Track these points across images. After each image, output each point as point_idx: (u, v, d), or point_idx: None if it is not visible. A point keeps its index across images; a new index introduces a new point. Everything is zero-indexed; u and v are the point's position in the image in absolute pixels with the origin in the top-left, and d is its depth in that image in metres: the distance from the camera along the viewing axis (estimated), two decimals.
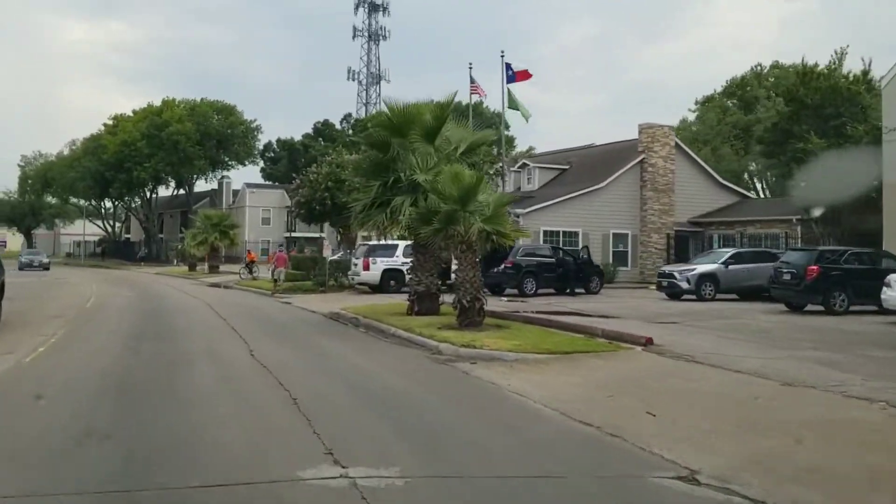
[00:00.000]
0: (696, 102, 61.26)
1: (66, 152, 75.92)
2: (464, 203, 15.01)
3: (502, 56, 31.89)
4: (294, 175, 41.57)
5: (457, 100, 19.30)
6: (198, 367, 10.43)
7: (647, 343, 12.27)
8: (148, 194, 73.37)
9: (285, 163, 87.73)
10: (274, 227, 69.88)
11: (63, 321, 16.20)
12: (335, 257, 31.08)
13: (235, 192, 73.22)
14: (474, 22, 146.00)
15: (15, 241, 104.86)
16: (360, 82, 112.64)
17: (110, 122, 70.80)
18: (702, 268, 23.77)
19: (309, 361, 11.34)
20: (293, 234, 69.18)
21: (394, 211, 17.19)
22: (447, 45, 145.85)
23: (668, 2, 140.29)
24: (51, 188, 76.29)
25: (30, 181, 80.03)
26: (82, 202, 77.86)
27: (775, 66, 61.97)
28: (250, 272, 37.55)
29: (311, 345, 13.68)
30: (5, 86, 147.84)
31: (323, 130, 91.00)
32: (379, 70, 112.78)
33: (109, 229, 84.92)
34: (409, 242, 27.93)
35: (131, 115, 69.48)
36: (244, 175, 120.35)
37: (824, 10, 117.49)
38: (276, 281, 29.70)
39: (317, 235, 70.53)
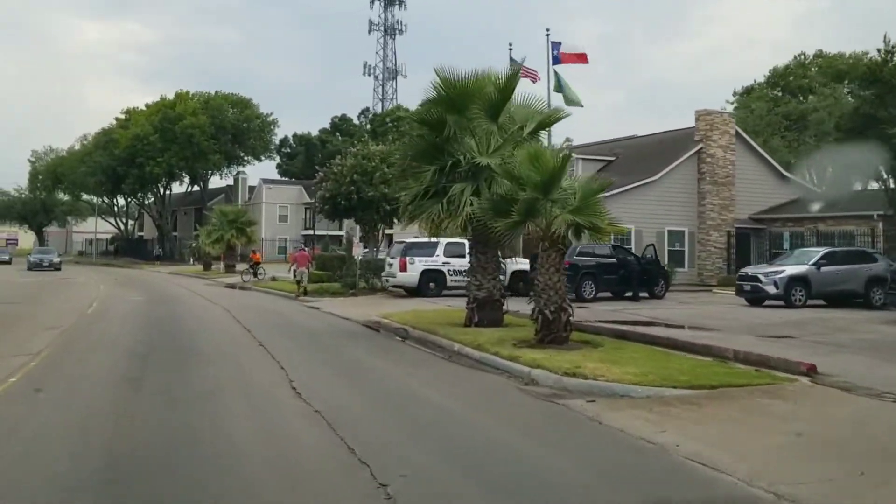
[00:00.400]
0: (735, 94, 58.10)
1: (77, 147, 73.56)
2: (546, 190, 12.10)
3: (547, 35, 28.95)
4: (317, 168, 38.73)
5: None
6: (223, 412, 7.56)
7: (810, 371, 9.30)
8: (161, 190, 70.87)
9: (302, 158, 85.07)
10: (291, 225, 67.21)
11: (55, 334, 13.42)
12: (361, 255, 28.19)
13: (251, 189, 70.60)
14: (494, 14, 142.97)
15: (27, 238, 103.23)
16: (376, 77, 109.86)
17: (122, 117, 68.45)
18: (791, 269, 20.67)
19: (371, 399, 8.46)
20: (313, 232, 66.41)
21: (451, 201, 14.28)
22: (464, 40, 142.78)
23: (678, 1, 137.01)
24: (62, 184, 73.86)
25: (40, 177, 77.66)
26: (94, 199, 75.44)
27: (819, 54, 58.86)
28: (255, 275, 34.37)
29: (364, 369, 10.80)
30: (21, 86, 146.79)
31: (340, 125, 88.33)
32: (395, 65, 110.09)
33: (122, 227, 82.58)
34: (450, 240, 25.04)
35: (144, 108, 67.03)
36: (260, 171, 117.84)
37: (833, 9, 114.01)
38: (298, 282, 26.92)
39: (336, 233, 67.78)
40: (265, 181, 68.18)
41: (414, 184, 14.93)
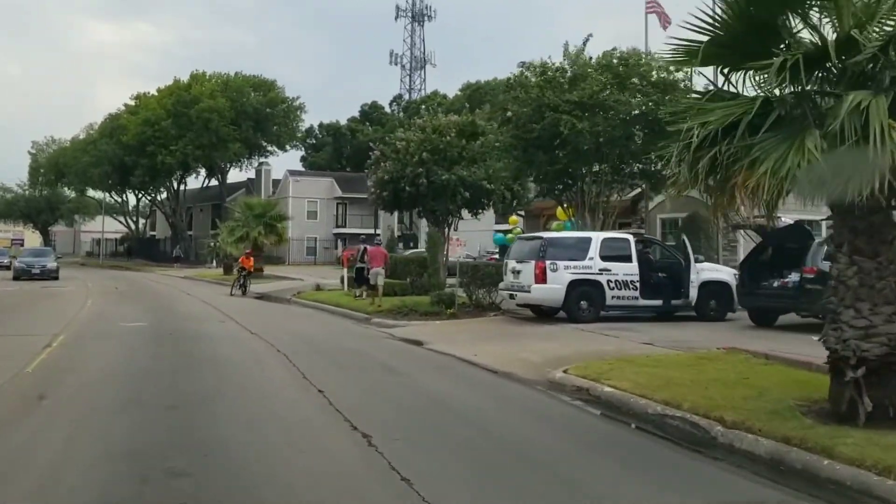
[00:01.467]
0: None
1: (82, 137, 65.81)
2: None
3: None
4: (370, 146, 30.48)
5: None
6: None
7: None
8: (175, 185, 62.94)
9: (329, 150, 77.03)
10: (322, 222, 59.13)
11: None
12: (462, 257, 20.03)
13: (276, 183, 62.56)
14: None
15: (34, 239, 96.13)
16: (403, 67, 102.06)
17: (132, 103, 60.53)
18: None
19: None
20: (344, 230, 58.32)
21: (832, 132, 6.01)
22: (497, 26, 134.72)
23: None
24: (65, 178, 66.02)
25: (42, 171, 69.84)
26: (100, 195, 67.57)
27: None
28: (242, 286, 25.53)
29: None
30: (31, 85, 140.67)
31: (370, 113, 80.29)
32: (424, 53, 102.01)
33: (132, 226, 74.79)
34: (608, 235, 16.79)
35: (156, 94, 59.10)
36: (283, 163, 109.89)
37: None
38: (373, 288, 18.88)
39: (371, 232, 59.60)
40: (292, 173, 60.06)
41: (723, 108, 6.60)
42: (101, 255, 70.40)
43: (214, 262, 45.44)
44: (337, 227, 59.17)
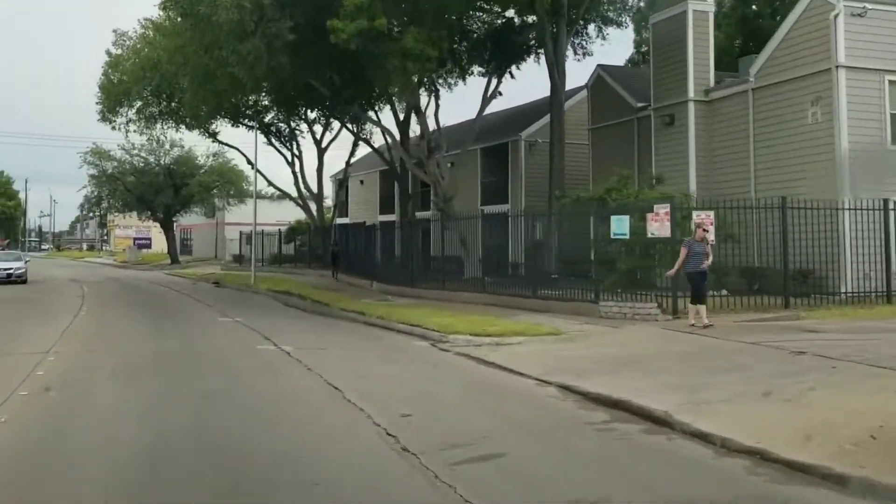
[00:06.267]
0: None
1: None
2: None
3: None
4: None
5: None
6: None
7: None
8: (400, 101, 24.27)
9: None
10: None
11: None
12: None
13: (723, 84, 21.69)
14: None
15: (161, 238, 61.59)
16: None
17: None
18: None
19: None
20: None
21: None
22: None
23: None
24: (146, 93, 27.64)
25: (124, 86, 31.92)
26: (241, 133, 29.33)
27: None
28: None
29: None
30: None
31: None
32: None
33: (314, 208, 37.39)
34: None
35: None
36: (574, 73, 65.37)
37: None
38: None
39: None
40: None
41: None
42: (252, 262, 33.02)
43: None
44: None
